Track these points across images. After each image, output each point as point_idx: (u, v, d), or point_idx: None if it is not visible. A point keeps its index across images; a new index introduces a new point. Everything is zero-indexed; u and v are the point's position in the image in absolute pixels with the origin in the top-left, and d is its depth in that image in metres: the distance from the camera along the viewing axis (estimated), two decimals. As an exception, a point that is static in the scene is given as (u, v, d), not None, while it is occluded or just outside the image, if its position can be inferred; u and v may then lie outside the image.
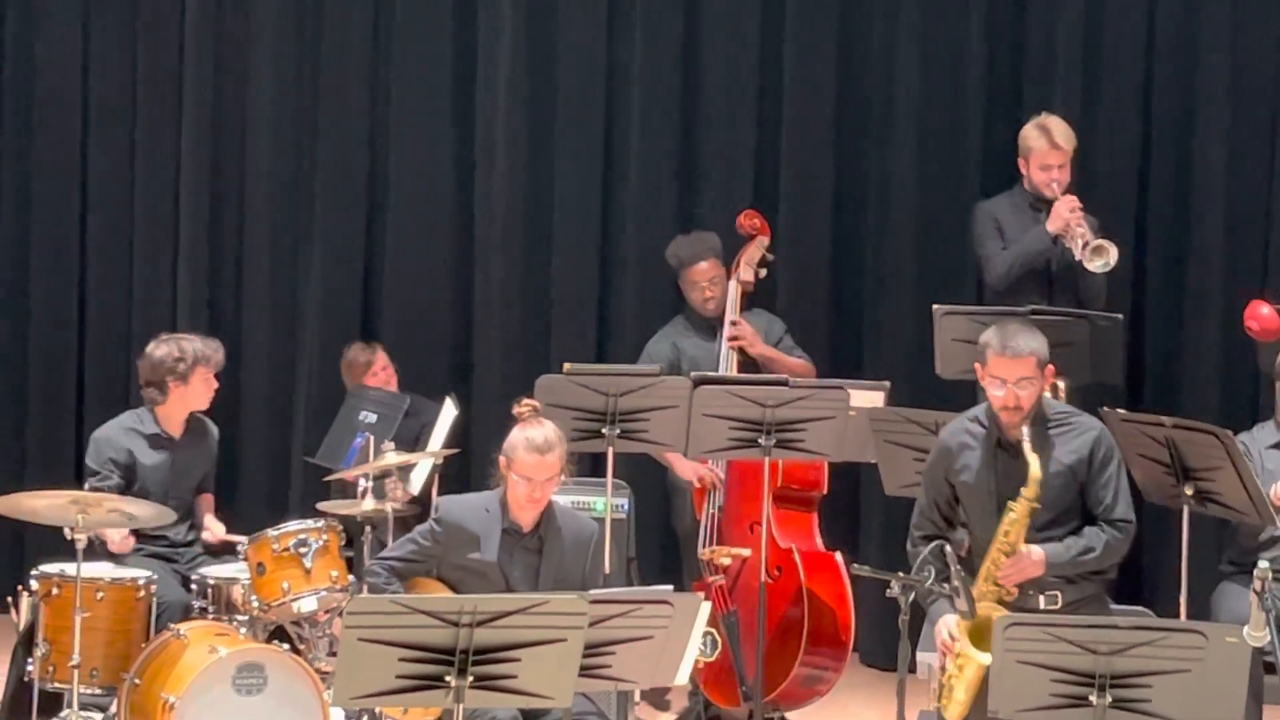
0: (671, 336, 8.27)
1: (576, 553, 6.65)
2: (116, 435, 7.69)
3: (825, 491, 7.94)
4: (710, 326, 8.22)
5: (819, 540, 7.88)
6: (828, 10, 8.94)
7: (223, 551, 7.74)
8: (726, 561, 7.80)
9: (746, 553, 7.75)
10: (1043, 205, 8.09)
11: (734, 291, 8.20)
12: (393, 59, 9.24)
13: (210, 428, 7.91)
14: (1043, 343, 6.47)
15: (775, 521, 7.58)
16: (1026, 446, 6.33)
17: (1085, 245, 7.87)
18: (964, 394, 8.14)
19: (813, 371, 8.22)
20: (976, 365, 6.52)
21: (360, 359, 8.73)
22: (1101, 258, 7.89)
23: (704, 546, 7.92)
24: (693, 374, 7.54)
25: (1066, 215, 7.95)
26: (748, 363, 8.14)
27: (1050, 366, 6.52)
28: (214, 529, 7.84)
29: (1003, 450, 6.47)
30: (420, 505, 8.08)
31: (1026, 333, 6.46)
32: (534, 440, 6.51)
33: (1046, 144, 8.07)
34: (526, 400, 6.72)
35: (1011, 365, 6.38)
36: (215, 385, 7.80)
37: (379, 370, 8.68)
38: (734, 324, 8.14)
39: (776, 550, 7.62)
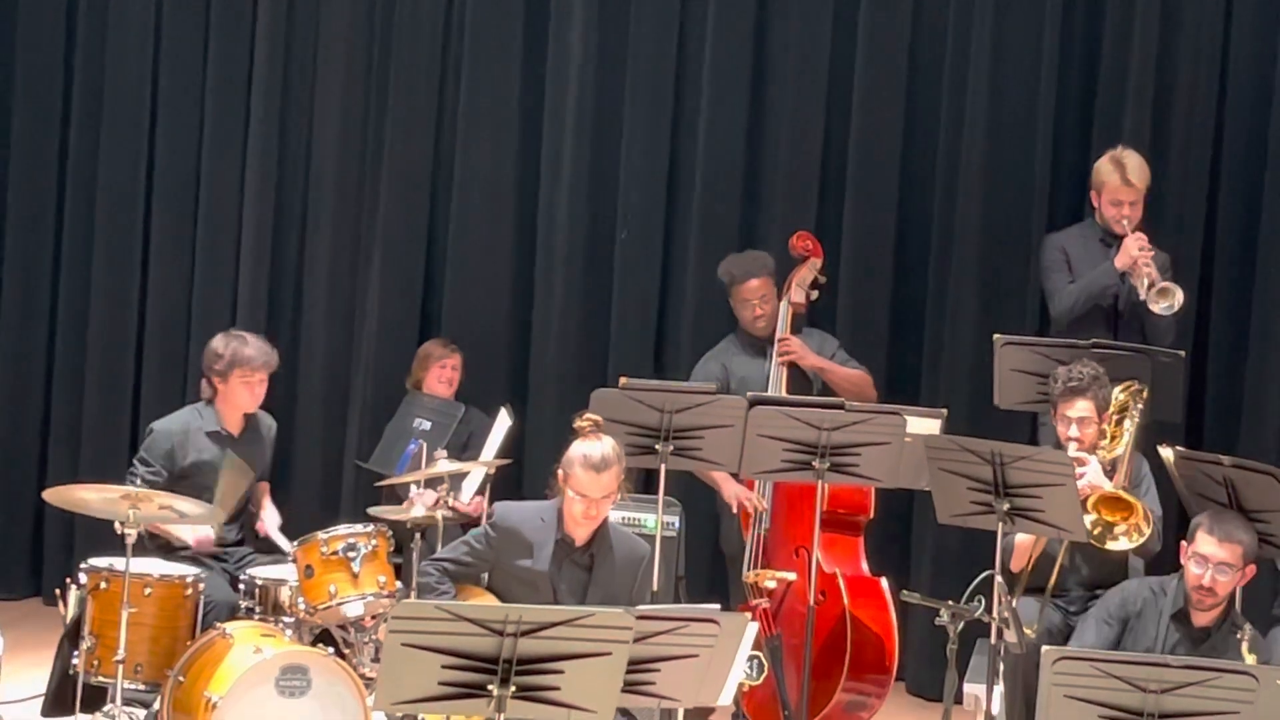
0: (720, 357, 8.25)
1: (626, 573, 6.63)
2: (176, 431, 7.71)
3: (871, 516, 7.90)
4: (760, 347, 8.20)
5: (864, 565, 7.85)
6: (899, 37, 8.90)
7: (271, 546, 7.76)
8: (771, 585, 7.76)
9: (792, 576, 7.72)
10: (1113, 239, 8.03)
11: (785, 312, 8.18)
12: (461, 64, 9.25)
13: (267, 423, 7.93)
14: (1253, 538, 6.60)
15: (821, 545, 7.54)
16: (1245, 646, 6.43)
17: (1151, 286, 7.81)
18: (1022, 425, 8.12)
19: (869, 381, 8.17)
20: (1183, 543, 6.62)
21: (435, 352, 8.69)
22: (1166, 300, 7.82)
23: (749, 569, 7.88)
24: (749, 394, 7.51)
25: (1135, 253, 7.89)
26: (798, 383, 8.11)
27: (1253, 566, 6.60)
28: (267, 520, 7.84)
29: (1177, 622, 6.60)
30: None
31: (1240, 524, 6.60)
32: (591, 457, 6.48)
33: (1119, 179, 8.01)
34: (588, 415, 6.69)
35: (1218, 548, 6.51)
36: (260, 389, 7.81)
37: (450, 370, 8.65)
38: (783, 340, 8.11)
39: (821, 574, 7.57)
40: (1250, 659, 6.37)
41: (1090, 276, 8.00)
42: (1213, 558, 6.50)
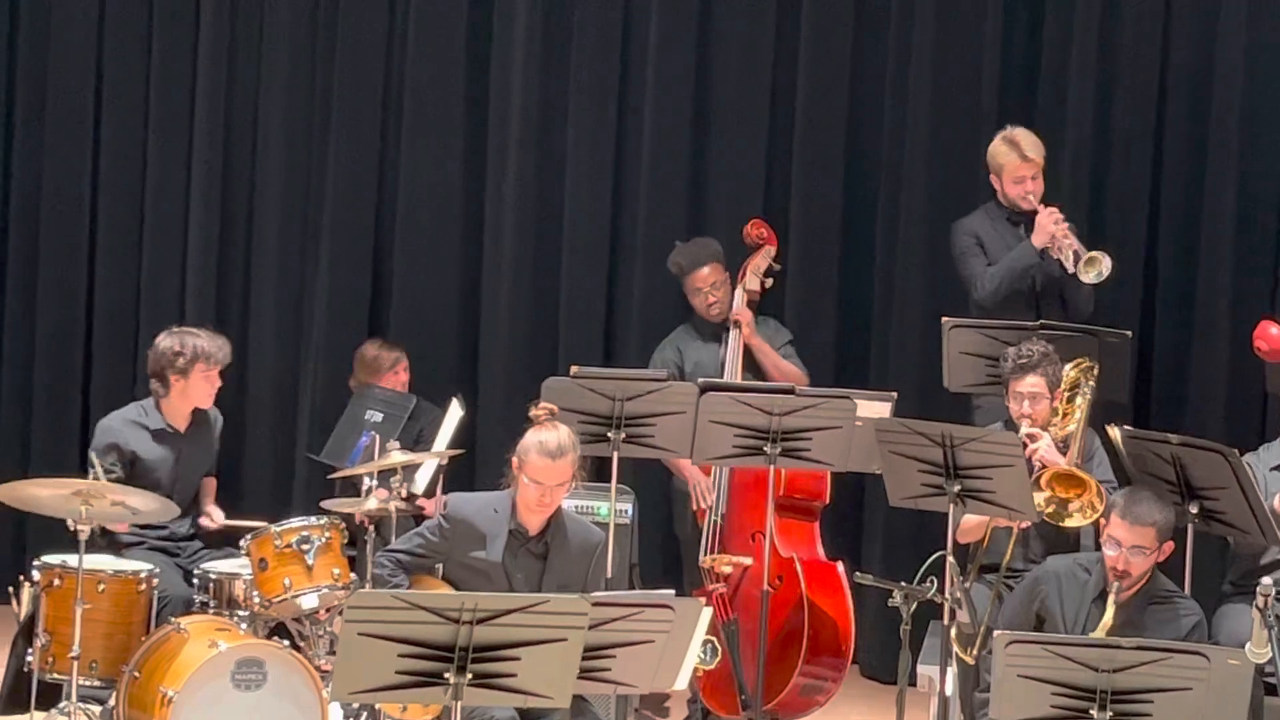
0: (676, 342, 8.29)
1: (581, 560, 6.65)
2: (120, 428, 7.68)
3: (827, 501, 7.93)
4: (715, 333, 8.22)
5: (820, 550, 7.87)
6: (842, 24, 8.93)
7: (220, 541, 7.75)
8: (728, 570, 7.79)
9: (748, 561, 7.75)
10: (1019, 217, 8.09)
11: (740, 300, 8.20)
12: (406, 60, 9.24)
13: (214, 417, 7.91)
14: (1168, 515, 6.53)
15: (777, 530, 7.57)
16: (1111, 597, 6.43)
17: (1077, 258, 7.85)
18: (970, 407, 8.15)
19: (805, 381, 8.18)
20: (1101, 520, 6.63)
21: (384, 359, 8.63)
22: (1095, 269, 7.87)
23: (705, 555, 7.91)
24: (699, 380, 7.54)
25: (1051, 228, 7.94)
26: (752, 364, 8.13)
27: (1170, 543, 6.56)
28: (213, 515, 7.84)
29: (1098, 603, 6.56)
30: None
31: (1155, 503, 6.52)
32: (547, 445, 6.49)
33: (1018, 158, 8.07)
34: (544, 404, 6.70)
35: (1129, 531, 6.46)
36: (217, 383, 7.79)
37: (403, 372, 8.63)
38: (739, 312, 8.12)
39: (778, 559, 7.61)
40: (1109, 611, 6.41)
41: (1010, 257, 8.03)
42: (1125, 541, 6.46)
